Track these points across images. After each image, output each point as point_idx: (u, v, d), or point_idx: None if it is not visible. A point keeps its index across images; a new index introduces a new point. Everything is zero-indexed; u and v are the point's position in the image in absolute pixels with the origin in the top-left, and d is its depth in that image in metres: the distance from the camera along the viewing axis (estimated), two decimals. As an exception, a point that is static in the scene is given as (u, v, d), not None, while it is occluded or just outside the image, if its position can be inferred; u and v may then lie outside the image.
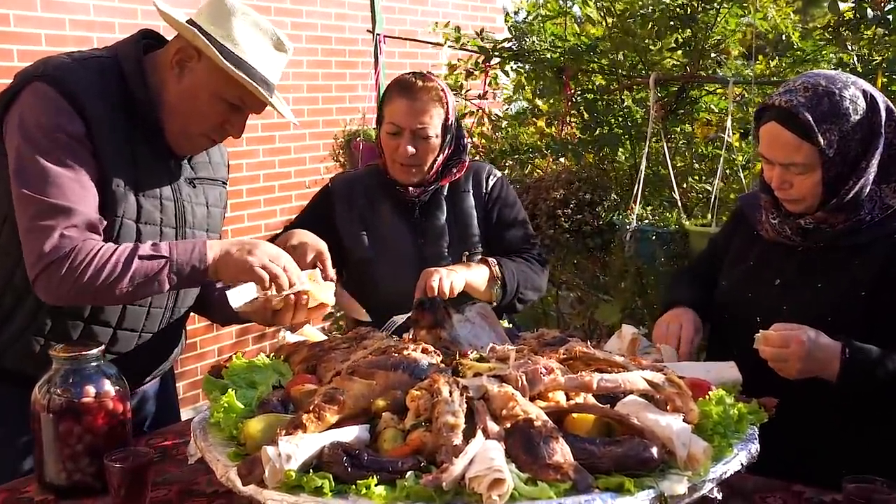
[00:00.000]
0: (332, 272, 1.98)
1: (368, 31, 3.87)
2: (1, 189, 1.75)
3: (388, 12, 5.96)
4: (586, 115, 3.35)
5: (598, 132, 3.28)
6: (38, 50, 4.07)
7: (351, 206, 2.27)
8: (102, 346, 1.68)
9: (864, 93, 1.74)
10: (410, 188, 2.22)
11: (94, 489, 1.63)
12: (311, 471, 1.26)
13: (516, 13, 3.69)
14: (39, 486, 1.67)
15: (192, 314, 2.10)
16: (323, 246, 2.00)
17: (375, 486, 1.22)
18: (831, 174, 1.72)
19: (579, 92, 3.42)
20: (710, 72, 3.12)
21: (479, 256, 2.23)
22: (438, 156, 2.20)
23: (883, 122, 1.73)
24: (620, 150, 3.28)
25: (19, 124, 1.71)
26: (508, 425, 1.30)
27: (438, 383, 1.37)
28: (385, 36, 3.81)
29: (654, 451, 1.26)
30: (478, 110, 3.73)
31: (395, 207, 2.26)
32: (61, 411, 1.62)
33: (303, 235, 2.02)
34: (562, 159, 3.32)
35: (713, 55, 3.10)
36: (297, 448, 1.27)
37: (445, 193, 2.28)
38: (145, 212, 1.82)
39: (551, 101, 3.51)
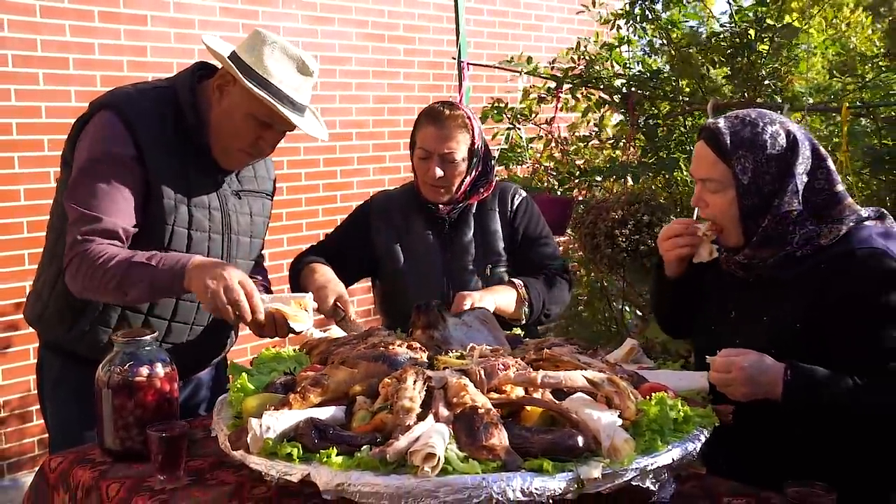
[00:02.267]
0: (352, 312, 2.22)
1: (453, 57, 4.11)
2: None
3: (477, 36, 6.22)
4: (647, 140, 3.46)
5: (657, 156, 3.38)
6: (119, 75, 4.56)
7: (387, 222, 2.51)
8: (155, 333, 1.98)
9: (788, 133, 1.84)
10: (441, 206, 2.43)
11: (142, 455, 1.88)
12: (285, 441, 1.49)
13: (587, 42, 3.83)
14: (100, 451, 1.98)
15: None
16: (343, 290, 2.25)
17: (336, 455, 1.43)
18: (747, 203, 1.83)
19: (643, 117, 3.53)
20: (767, 98, 3.16)
21: (503, 270, 2.40)
22: (465, 177, 2.40)
23: (800, 165, 1.81)
24: (678, 173, 3.36)
25: (83, 147, 2.06)
26: (458, 411, 1.48)
27: (407, 373, 1.57)
28: (468, 63, 4.04)
29: (580, 439, 1.41)
30: (548, 134, 3.90)
31: (426, 223, 2.47)
32: (117, 387, 1.91)
33: (325, 279, 2.27)
34: (626, 181, 3.43)
35: (766, 82, 3.13)
36: (277, 421, 1.51)
37: (473, 211, 2.47)
38: (195, 220, 2.12)
39: (617, 125, 3.63)
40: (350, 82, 5.71)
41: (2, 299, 4.30)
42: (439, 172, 2.37)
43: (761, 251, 1.86)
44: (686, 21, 3.23)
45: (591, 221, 3.30)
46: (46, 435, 4.43)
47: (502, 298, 2.32)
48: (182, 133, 2.13)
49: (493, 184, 2.50)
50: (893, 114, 2.81)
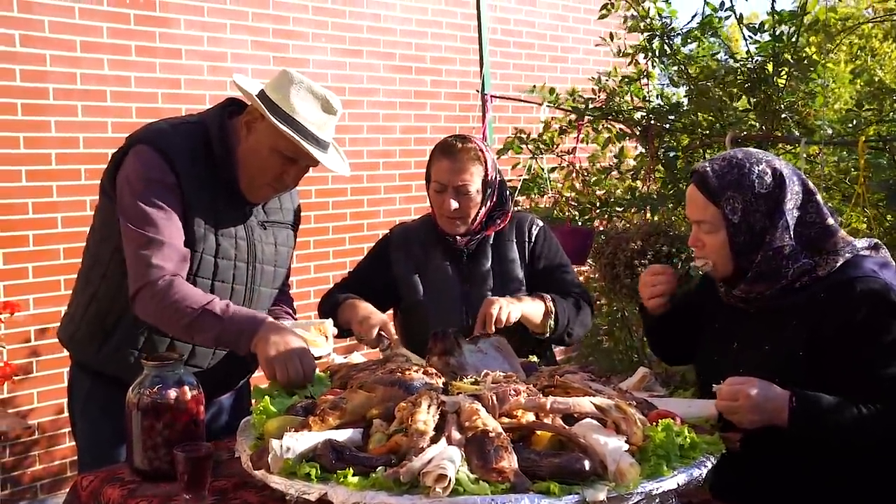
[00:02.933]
0: (394, 334, 2.31)
1: (477, 90, 4.21)
2: (111, 229, 2.20)
3: (503, 68, 6.31)
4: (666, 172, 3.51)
5: (676, 188, 3.43)
6: (154, 107, 4.73)
7: (407, 254, 2.58)
8: (184, 357, 2.07)
9: (774, 171, 1.89)
10: (458, 238, 2.50)
11: (170, 475, 1.94)
12: (304, 461, 1.56)
13: (608, 77, 3.91)
14: (129, 470, 2.06)
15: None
16: (385, 319, 2.34)
17: (352, 476, 1.50)
18: (739, 241, 1.89)
19: (662, 149, 3.58)
20: (785, 131, 3.20)
21: (535, 293, 2.46)
22: (481, 209, 2.47)
23: (789, 201, 1.87)
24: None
25: (126, 177, 2.17)
26: (469, 434, 1.54)
27: (422, 398, 1.64)
28: (492, 95, 4.13)
29: (587, 463, 1.47)
30: (569, 165, 3.97)
31: (445, 255, 2.54)
32: (147, 409, 1.98)
33: (368, 311, 2.36)
34: (645, 212, 3.48)
35: (784, 115, 3.18)
36: (297, 442, 1.58)
37: (491, 242, 2.54)
38: (222, 249, 2.22)
39: (637, 157, 3.68)
40: (378, 113, 5.83)
41: (39, 323, 4.43)
42: (454, 204, 2.44)
43: (757, 286, 1.91)
44: (703, 57, 3.29)
45: (610, 252, 3.35)
46: (75, 457, 4.56)
47: (530, 308, 2.37)
48: (211, 166, 2.23)
49: (510, 214, 2.56)
50: (910, 147, 2.84)
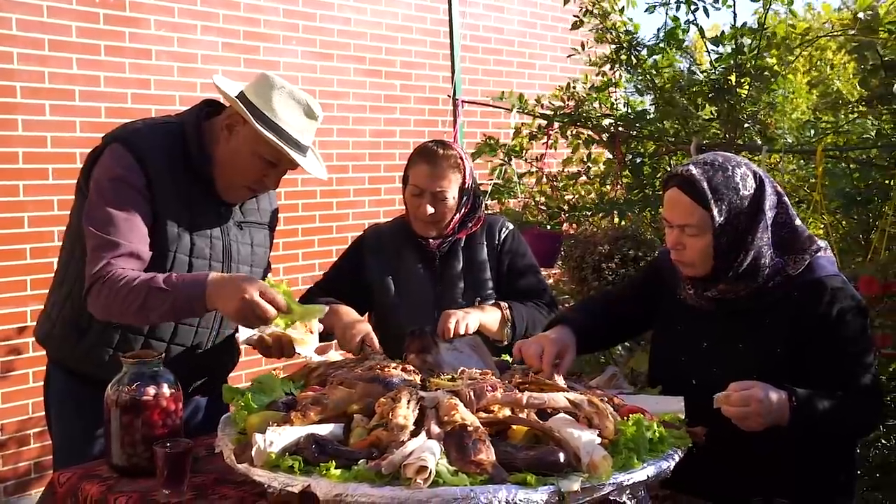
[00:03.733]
0: (377, 345, 2.31)
1: (449, 95, 4.27)
2: (82, 230, 2.21)
3: (472, 73, 6.39)
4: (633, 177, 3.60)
5: (643, 193, 3.52)
6: (124, 107, 4.70)
7: (379, 256, 2.62)
8: (162, 355, 2.09)
9: (755, 174, 1.97)
10: (431, 240, 2.55)
11: (148, 471, 1.96)
12: (287, 455, 1.60)
13: (576, 84, 4.00)
14: (107, 467, 2.07)
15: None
16: (368, 328, 2.36)
17: (334, 468, 1.54)
18: (722, 242, 1.93)
19: (629, 156, 3.68)
20: (747, 139, 3.31)
21: (492, 301, 2.51)
22: (455, 214, 2.52)
23: (767, 202, 1.94)
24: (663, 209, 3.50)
25: (97, 177, 2.19)
26: (448, 429, 1.59)
27: (401, 394, 1.69)
28: (463, 101, 4.20)
29: (562, 456, 1.53)
30: (538, 170, 4.04)
31: (417, 257, 2.59)
32: (126, 406, 1.99)
33: (350, 319, 2.39)
34: (613, 216, 3.57)
35: (746, 124, 3.29)
36: (279, 436, 1.62)
37: (462, 245, 2.59)
38: (196, 248, 2.24)
39: (605, 163, 3.78)
40: (348, 116, 5.86)
41: (4, 324, 4.39)
42: (430, 210, 2.49)
43: (736, 286, 1.97)
44: (668, 67, 3.39)
45: (579, 255, 3.43)
46: (40, 459, 4.52)
47: (487, 317, 2.41)
48: (188, 166, 2.25)
49: (482, 219, 2.62)
50: (865, 157, 2.95)
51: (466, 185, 2.53)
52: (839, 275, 1.95)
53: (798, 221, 2.00)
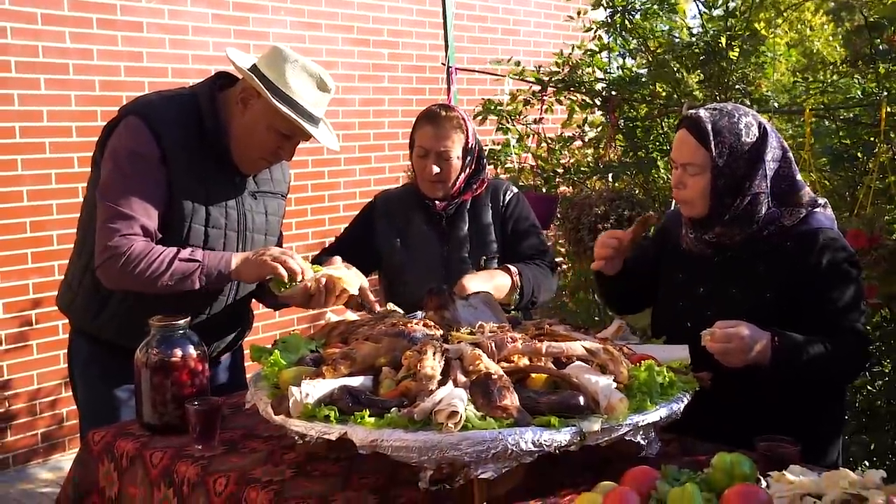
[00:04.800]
0: (373, 299, 2.37)
1: (443, 63, 4.33)
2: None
3: (458, 41, 6.42)
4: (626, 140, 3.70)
5: (636, 155, 3.62)
6: (117, 80, 4.76)
7: (389, 220, 2.71)
8: (189, 318, 2.17)
9: (760, 124, 2.07)
10: (437, 202, 2.64)
11: (179, 428, 2.07)
12: (322, 405, 1.70)
13: (573, 49, 4.08)
14: (139, 425, 2.17)
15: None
16: (364, 279, 2.39)
17: (368, 416, 1.64)
18: (720, 183, 2.05)
19: (622, 119, 3.77)
20: (736, 101, 3.40)
21: (495, 261, 2.61)
22: (460, 174, 2.62)
23: (769, 153, 2.05)
24: (655, 171, 3.61)
25: (111, 149, 2.25)
26: (474, 377, 1.69)
27: (427, 346, 1.78)
28: (456, 68, 4.26)
29: (581, 399, 1.63)
30: (534, 134, 4.13)
31: (425, 219, 2.68)
32: (155, 367, 2.09)
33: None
34: (608, 179, 3.67)
35: (737, 87, 3.39)
36: (314, 388, 1.71)
37: (468, 207, 2.69)
38: (212, 218, 2.32)
39: (598, 126, 3.87)
40: (337, 86, 5.86)
41: (7, 297, 4.45)
42: (436, 169, 2.58)
43: (731, 229, 2.09)
44: (663, 28, 3.47)
45: (575, 216, 3.53)
46: (51, 429, 4.61)
47: (497, 283, 2.50)
48: (202, 138, 2.31)
49: (486, 181, 2.71)
50: (851, 115, 3.06)
51: (469, 146, 2.62)
52: (834, 229, 2.06)
53: (799, 177, 2.11)
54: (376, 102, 6.14)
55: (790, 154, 2.12)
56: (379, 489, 1.78)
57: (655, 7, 3.47)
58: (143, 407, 2.14)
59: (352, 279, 2.25)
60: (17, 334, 4.50)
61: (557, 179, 3.88)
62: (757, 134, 2.06)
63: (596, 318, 3.92)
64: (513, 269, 2.56)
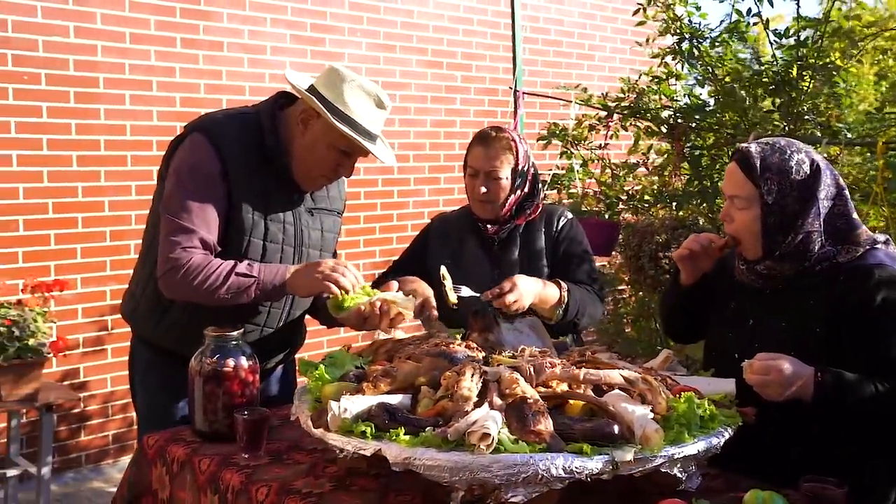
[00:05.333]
0: (435, 312, 2.43)
1: (510, 87, 4.36)
2: None
3: (531, 65, 6.47)
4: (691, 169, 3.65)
5: (701, 184, 3.57)
6: (197, 97, 4.95)
7: (443, 241, 2.75)
8: (241, 330, 2.24)
9: (812, 161, 2.03)
10: (490, 226, 2.66)
11: (228, 437, 2.13)
12: (360, 421, 1.73)
13: (641, 76, 4.06)
14: (191, 432, 2.24)
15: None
16: (430, 293, 2.47)
17: (403, 434, 1.67)
18: (770, 221, 2.02)
19: (688, 147, 3.73)
20: (807, 132, 3.33)
21: (553, 280, 2.60)
22: (510, 195, 2.63)
23: (823, 191, 2.01)
24: (720, 200, 3.55)
25: (176, 164, 2.34)
26: (510, 401, 1.70)
27: (466, 368, 1.80)
28: (524, 92, 4.28)
29: (616, 428, 1.63)
30: (599, 160, 4.12)
31: (478, 242, 2.70)
32: (208, 376, 2.16)
33: (415, 284, 2.51)
34: (671, 207, 3.63)
35: (807, 117, 3.31)
36: (353, 404, 1.75)
37: (521, 231, 2.70)
38: (270, 233, 2.39)
39: (664, 154, 3.83)
40: (409, 107, 6.00)
41: (85, 302, 4.64)
42: (483, 189, 2.61)
43: (782, 264, 2.05)
44: (730, 59, 3.43)
45: (636, 244, 3.50)
46: (122, 431, 4.77)
47: (545, 294, 2.49)
48: (263, 155, 2.39)
49: (540, 206, 2.72)
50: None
51: (520, 167, 2.63)
52: (892, 266, 2.00)
53: (855, 215, 2.06)
54: (448, 124, 6.21)
55: (846, 192, 2.07)
56: (413, 507, 1.80)
57: (725, 35, 3.44)
58: (195, 414, 2.20)
59: (407, 303, 2.28)
60: (94, 339, 4.70)
61: (620, 206, 3.86)
62: (808, 171, 2.03)
63: (658, 348, 3.86)
64: (563, 284, 2.56)
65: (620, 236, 3.75)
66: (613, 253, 3.97)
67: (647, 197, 3.83)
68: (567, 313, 2.53)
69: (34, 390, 3.83)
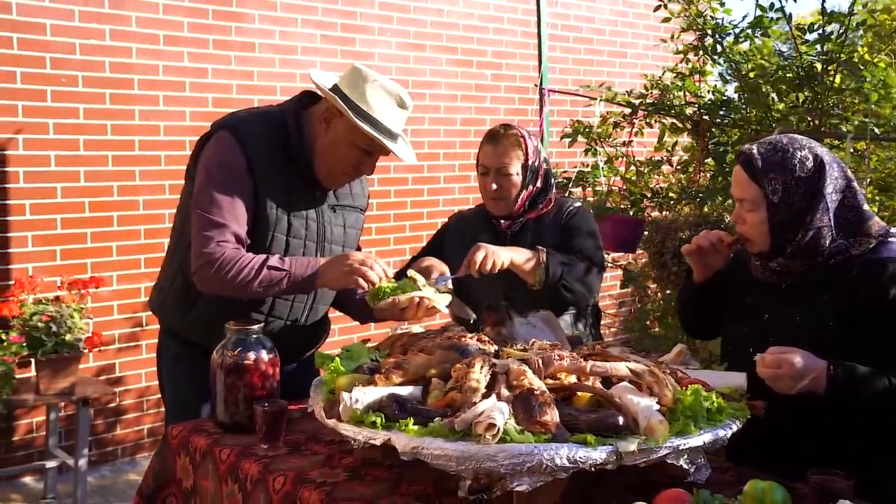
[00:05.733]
0: (450, 284, 2.48)
1: (536, 84, 4.38)
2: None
3: (562, 62, 6.47)
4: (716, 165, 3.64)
5: (726, 181, 3.55)
6: (229, 97, 5.03)
7: (460, 239, 2.79)
8: (262, 324, 2.30)
9: (816, 157, 2.02)
10: (502, 221, 2.69)
11: (248, 428, 2.18)
12: (371, 412, 1.77)
13: (664, 72, 4.05)
14: (213, 423, 2.30)
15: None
16: (445, 268, 2.54)
17: (413, 424, 1.70)
18: (777, 219, 2.02)
19: (713, 143, 3.71)
20: (832, 128, 3.30)
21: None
22: (522, 191, 2.66)
23: (829, 185, 2.01)
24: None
25: (204, 162, 2.40)
26: (517, 392, 1.73)
27: (475, 360, 1.83)
28: (549, 90, 4.30)
29: (620, 419, 1.64)
30: (623, 157, 4.12)
31: (491, 237, 2.73)
32: (229, 369, 2.21)
33: (430, 261, 2.58)
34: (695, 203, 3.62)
35: (833, 112, 3.28)
36: (364, 395, 1.79)
37: (532, 226, 2.72)
38: (294, 229, 2.44)
39: (688, 150, 3.82)
40: (439, 105, 6.04)
41: (122, 298, 4.76)
42: (494, 185, 2.65)
43: (794, 261, 2.06)
44: (754, 55, 3.41)
45: (659, 241, 3.50)
46: (156, 425, 4.88)
47: (519, 256, 2.51)
48: (287, 153, 2.45)
49: (553, 200, 2.74)
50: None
51: (530, 163, 2.66)
52: None
53: (866, 207, 2.06)
54: (477, 122, 6.24)
55: (855, 184, 2.07)
56: (424, 497, 1.84)
57: (748, 31, 3.42)
58: (216, 406, 2.26)
59: (442, 298, 2.34)
60: (129, 334, 4.81)
61: (645, 203, 3.85)
62: (812, 167, 2.03)
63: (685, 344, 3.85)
64: (541, 248, 2.57)
65: (645, 233, 3.75)
66: (639, 250, 3.96)
67: (671, 194, 3.82)
68: (549, 274, 2.52)
69: (71, 384, 3.94)
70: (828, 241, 2.01)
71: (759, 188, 2.05)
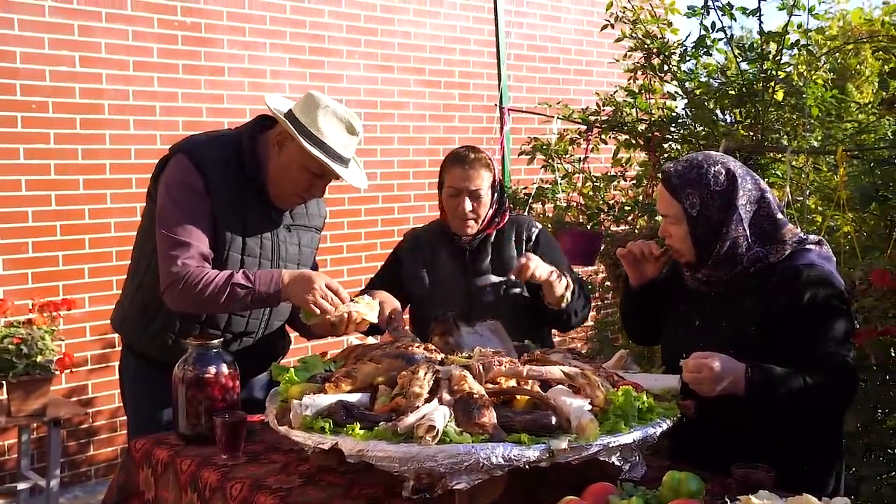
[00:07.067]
0: (403, 320, 2.58)
1: (495, 104, 4.50)
2: (152, 230, 2.53)
3: (529, 81, 6.66)
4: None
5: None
6: (199, 121, 5.11)
7: (416, 253, 2.89)
8: (222, 339, 2.39)
9: (728, 171, 2.16)
10: (463, 237, 2.80)
11: (209, 439, 2.26)
12: (320, 418, 1.86)
13: (615, 92, 4.21)
14: (175, 436, 2.38)
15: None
16: (397, 304, 2.62)
17: (359, 429, 1.80)
18: (698, 232, 2.16)
19: (664, 158, 3.85)
20: (773, 142, 3.44)
21: (518, 288, 2.74)
22: (489, 210, 2.77)
23: (742, 197, 2.14)
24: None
25: (164, 182, 2.50)
26: (458, 396, 1.83)
27: (420, 367, 1.93)
28: (509, 108, 4.43)
29: (553, 419, 1.75)
30: (580, 173, 4.24)
31: (450, 252, 2.84)
32: (190, 382, 2.30)
33: (383, 296, 2.64)
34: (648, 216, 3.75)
35: (776, 127, 3.42)
36: (314, 402, 1.88)
37: (492, 241, 2.83)
38: (248, 248, 2.53)
39: (641, 165, 3.95)
40: (408, 125, 6.16)
41: (94, 320, 4.81)
42: (469, 206, 2.74)
43: (718, 271, 2.19)
44: (698, 74, 3.56)
45: (615, 253, 3.61)
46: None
47: (554, 275, 2.62)
48: (242, 174, 2.55)
49: (507, 215, 2.86)
50: (886, 157, 3.06)
51: (495, 183, 2.78)
52: (823, 266, 2.12)
53: (780, 216, 2.20)
54: (446, 141, 6.34)
55: (769, 195, 2.20)
56: (374, 500, 1.93)
57: (692, 50, 3.56)
58: (178, 418, 2.34)
59: (371, 309, 2.43)
60: (101, 355, 4.87)
61: (602, 217, 3.98)
62: (726, 181, 2.16)
63: (646, 355, 3.97)
64: (567, 274, 2.70)
65: (602, 246, 3.86)
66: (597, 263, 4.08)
67: (626, 207, 3.95)
68: (573, 299, 2.67)
69: (42, 406, 3.99)
70: (744, 250, 2.14)
71: (679, 204, 2.18)
